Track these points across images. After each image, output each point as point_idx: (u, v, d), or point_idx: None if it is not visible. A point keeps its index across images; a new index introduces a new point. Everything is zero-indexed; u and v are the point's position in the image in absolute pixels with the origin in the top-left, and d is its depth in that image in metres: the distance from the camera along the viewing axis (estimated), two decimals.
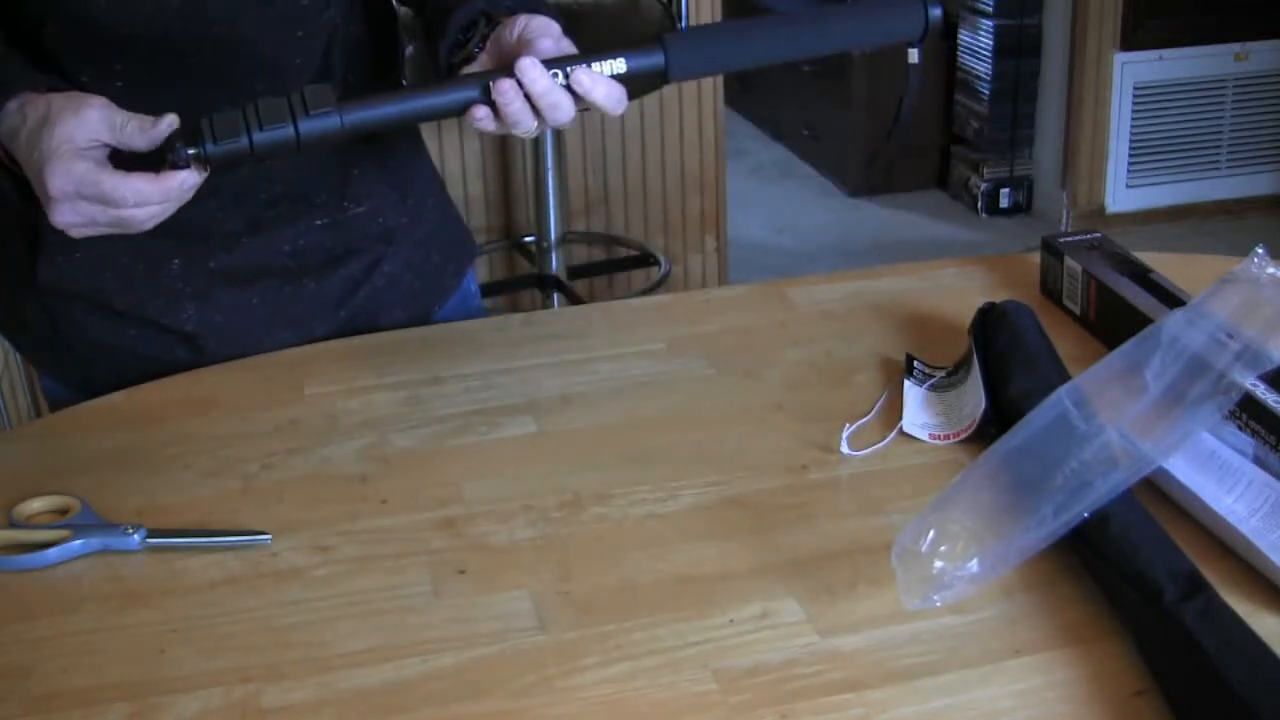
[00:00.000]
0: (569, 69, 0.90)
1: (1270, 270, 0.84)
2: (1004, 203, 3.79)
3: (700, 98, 3.00)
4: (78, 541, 0.86)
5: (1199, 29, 3.50)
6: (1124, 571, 0.76)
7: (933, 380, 1.01)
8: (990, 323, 1.01)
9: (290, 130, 0.87)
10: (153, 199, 0.87)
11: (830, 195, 4.05)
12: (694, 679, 0.74)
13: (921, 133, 3.96)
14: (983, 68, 3.74)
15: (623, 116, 2.97)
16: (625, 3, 2.77)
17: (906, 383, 1.01)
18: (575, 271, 2.95)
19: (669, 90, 2.93)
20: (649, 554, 0.84)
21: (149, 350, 1.09)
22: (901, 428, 0.96)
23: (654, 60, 0.92)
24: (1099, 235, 1.15)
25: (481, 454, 0.96)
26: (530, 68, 0.89)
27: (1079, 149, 3.60)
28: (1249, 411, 0.87)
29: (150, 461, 0.97)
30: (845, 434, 0.95)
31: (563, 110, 0.91)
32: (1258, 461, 0.85)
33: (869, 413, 0.99)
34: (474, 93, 0.91)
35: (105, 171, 0.87)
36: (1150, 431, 0.78)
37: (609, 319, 1.16)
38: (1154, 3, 3.47)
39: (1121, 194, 3.66)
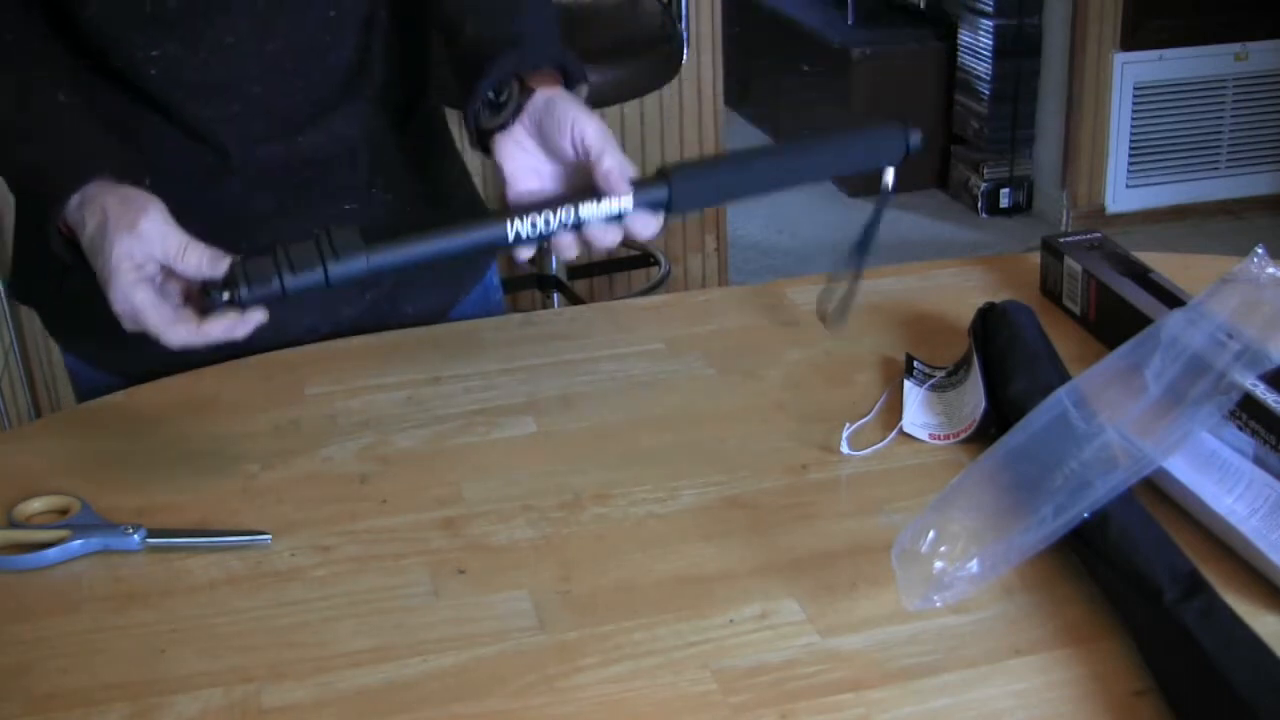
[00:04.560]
0: (578, 214, 0.93)
1: (1270, 270, 0.84)
2: (1004, 203, 3.79)
3: (700, 98, 3.01)
4: (78, 541, 0.86)
5: (1199, 29, 3.50)
6: (1124, 571, 0.76)
7: (933, 380, 1.01)
8: (990, 323, 1.01)
9: (320, 274, 0.89)
10: (194, 345, 0.91)
11: (830, 195, 4.05)
12: (694, 679, 0.74)
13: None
14: (983, 68, 3.73)
15: (623, 116, 2.98)
16: (625, 2, 2.77)
17: (906, 383, 1.01)
18: (575, 271, 2.95)
19: (669, 90, 2.93)
20: (649, 554, 0.84)
21: None
22: (902, 428, 0.96)
23: (659, 194, 0.95)
24: (1099, 235, 1.15)
25: (481, 454, 0.96)
26: (568, 247, 0.94)
27: (1079, 149, 3.60)
28: (1249, 411, 0.87)
29: (150, 461, 0.97)
30: (845, 434, 0.95)
31: (608, 241, 0.95)
32: (1258, 461, 0.85)
33: (869, 413, 0.99)
34: (499, 233, 0.93)
35: (158, 310, 0.90)
36: (1150, 431, 0.78)
37: (609, 319, 1.16)
38: (1154, 3, 3.47)
39: (1121, 194, 3.66)
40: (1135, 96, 3.56)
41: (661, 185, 0.95)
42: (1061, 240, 1.14)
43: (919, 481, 0.91)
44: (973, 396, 0.96)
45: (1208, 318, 0.81)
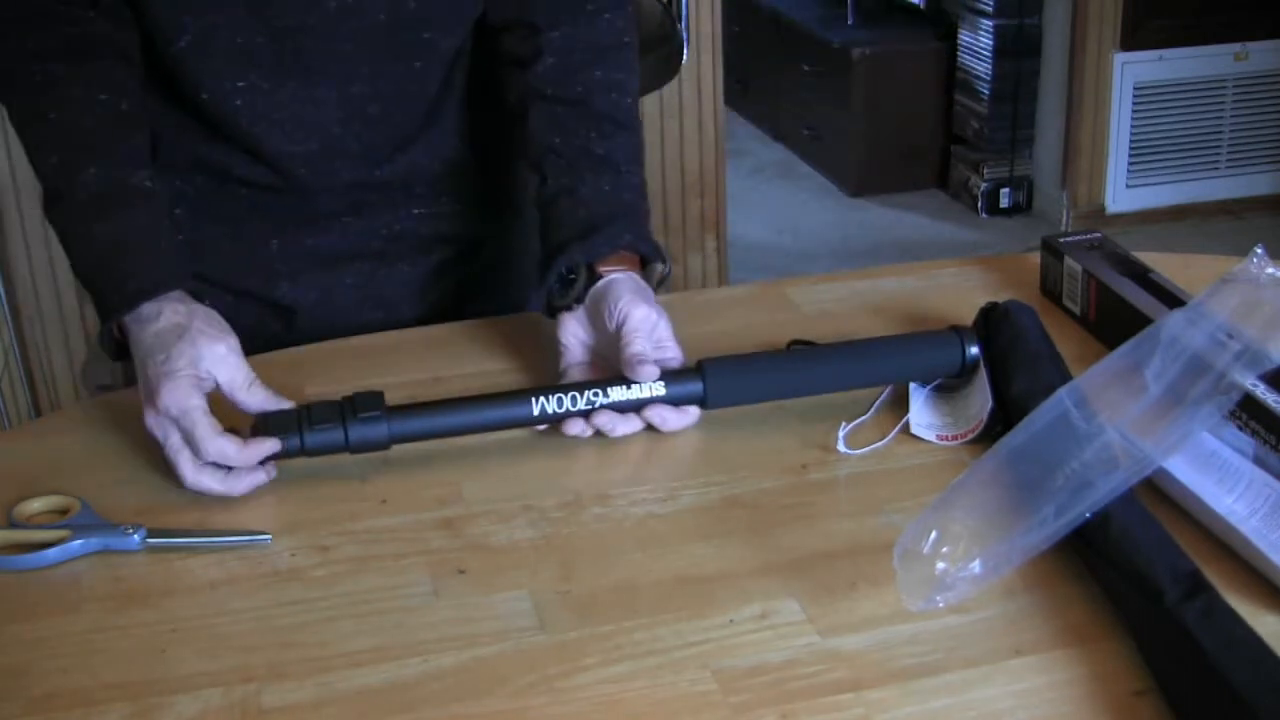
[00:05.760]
0: (605, 397, 0.94)
1: (1270, 270, 0.84)
2: (1004, 203, 3.79)
3: (700, 98, 3.00)
4: (78, 541, 0.86)
5: (1199, 29, 3.50)
6: (1125, 571, 0.76)
7: (937, 380, 1.01)
8: (993, 323, 1.01)
9: (340, 434, 0.92)
10: (233, 461, 0.90)
11: (830, 195, 4.05)
12: (694, 679, 0.73)
13: (921, 133, 3.96)
14: (983, 68, 3.74)
15: None
16: None
17: (911, 384, 1.01)
18: None
19: (669, 90, 2.93)
20: (649, 554, 0.84)
21: (242, 319, 1.08)
22: (904, 426, 0.96)
23: (692, 387, 0.96)
24: (1099, 235, 1.15)
25: (481, 454, 0.96)
26: (571, 425, 0.95)
27: (1079, 149, 3.60)
28: (1249, 411, 0.87)
29: (150, 461, 0.97)
30: (842, 432, 0.95)
31: (622, 429, 0.96)
32: (1258, 461, 0.85)
33: (868, 412, 0.99)
34: (524, 410, 0.94)
35: (206, 422, 0.90)
36: (1150, 431, 0.78)
37: None
38: (1154, 3, 3.47)
39: (1121, 194, 3.66)
40: (1135, 96, 3.56)
41: (695, 378, 0.96)
42: (1061, 240, 1.14)
43: (920, 481, 0.91)
44: (979, 396, 0.96)
45: (1208, 318, 0.81)
